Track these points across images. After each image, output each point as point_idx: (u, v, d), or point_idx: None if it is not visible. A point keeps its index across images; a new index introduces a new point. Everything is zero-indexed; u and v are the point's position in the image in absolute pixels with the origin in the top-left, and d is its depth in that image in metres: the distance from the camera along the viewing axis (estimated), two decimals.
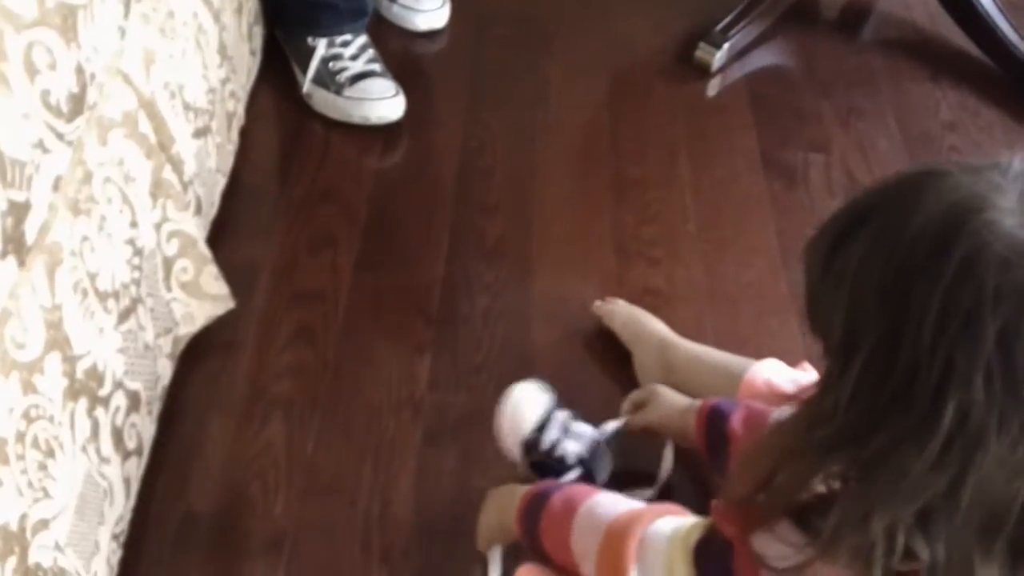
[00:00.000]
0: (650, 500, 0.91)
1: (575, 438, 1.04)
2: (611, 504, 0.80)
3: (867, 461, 0.56)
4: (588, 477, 1.01)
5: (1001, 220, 0.53)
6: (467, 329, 1.23)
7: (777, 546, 0.60)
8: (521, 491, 0.89)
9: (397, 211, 1.37)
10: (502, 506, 0.92)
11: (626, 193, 1.40)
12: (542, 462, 1.02)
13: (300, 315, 1.23)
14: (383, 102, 1.40)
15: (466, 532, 1.01)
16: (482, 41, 1.64)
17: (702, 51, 1.57)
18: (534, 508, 0.86)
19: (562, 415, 1.07)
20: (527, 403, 1.10)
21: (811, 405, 0.60)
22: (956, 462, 0.52)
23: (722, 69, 1.58)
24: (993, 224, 0.53)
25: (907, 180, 0.58)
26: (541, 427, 1.05)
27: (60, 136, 0.77)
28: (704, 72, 1.58)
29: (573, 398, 1.09)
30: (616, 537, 0.75)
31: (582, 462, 1.02)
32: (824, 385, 0.59)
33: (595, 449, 1.03)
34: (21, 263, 0.73)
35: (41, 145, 0.74)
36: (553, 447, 1.04)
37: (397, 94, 1.41)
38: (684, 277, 1.29)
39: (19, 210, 0.71)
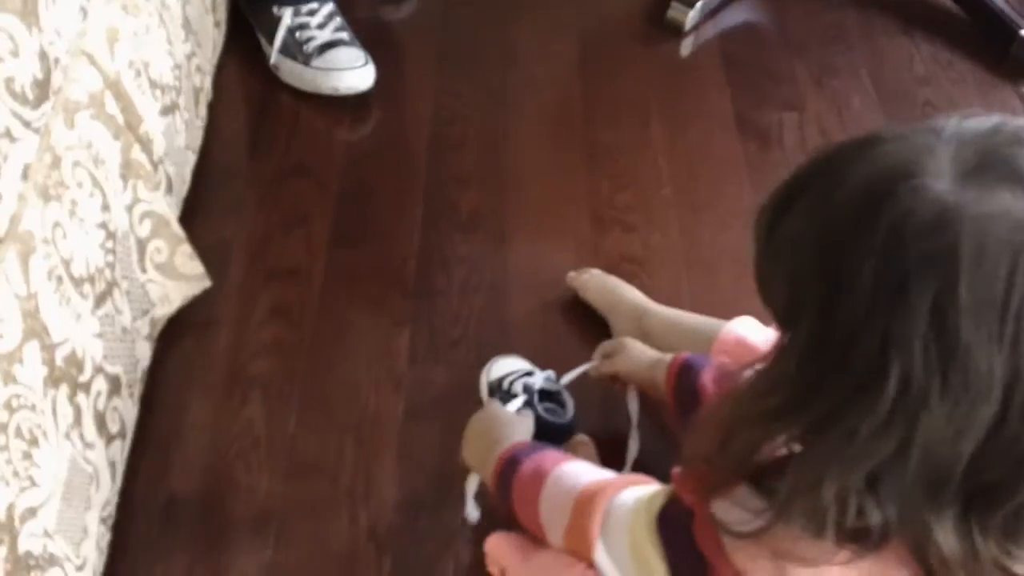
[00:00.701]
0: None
1: (535, 380, 1.07)
2: (577, 474, 0.80)
3: (815, 427, 0.56)
4: (530, 405, 1.03)
5: (930, 185, 0.52)
6: (444, 302, 1.23)
7: (737, 512, 0.61)
8: (498, 442, 0.89)
9: (370, 184, 1.36)
10: (479, 454, 0.92)
11: (599, 159, 1.40)
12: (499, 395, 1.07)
13: (276, 292, 1.22)
14: (352, 72, 1.39)
15: (451, 504, 1.02)
16: (449, 6, 1.62)
17: (674, 11, 1.56)
18: (507, 473, 0.86)
19: (539, 373, 1.09)
20: (503, 363, 1.12)
21: (763, 372, 0.61)
22: (902, 425, 0.52)
23: (694, 29, 1.57)
24: (920, 189, 0.52)
25: (841, 150, 0.58)
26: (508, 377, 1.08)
27: (27, 124, 0.76)
28: (676, 32, 1.56)
29: (552, 368, 1.10)
30: (582, 511, 0.75)
31: (525, 388, 1.04)
32: (775, 354, 0.60)
33: (546, 383, 1.06)
34: None
35: (8, 134, 0.73)
36: (510, 385, 1.06)
37: (366, 63, 1.40)
38: (660, 242, 1.29)
39: None
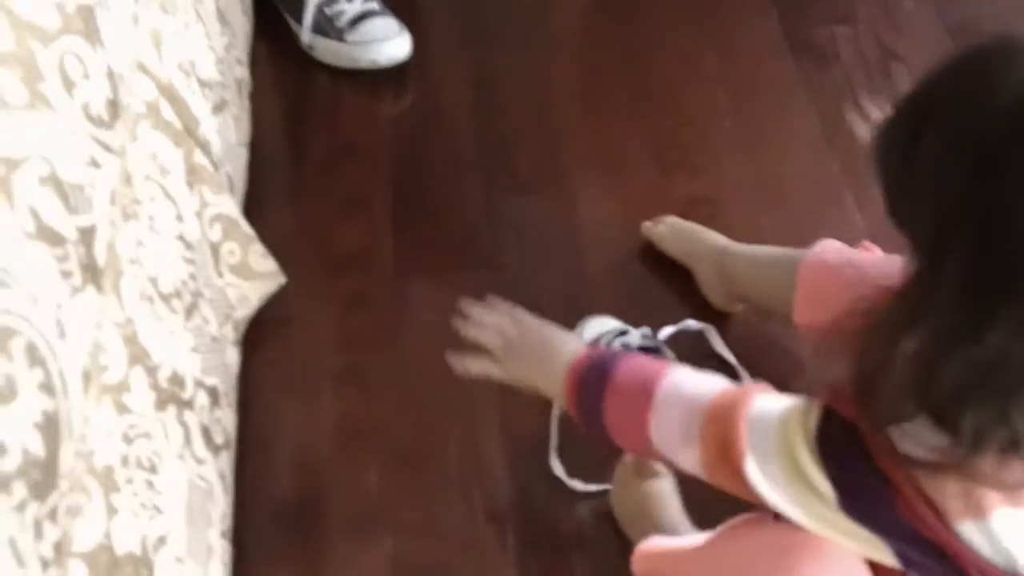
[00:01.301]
0: None
1: (631, 338, 1.04)
2: (698, 383, 0.72)
3: (991, 361, 0.53)
4: None
5: None
6: (520, 270, 1.20)
7: (910, 445, 0.57)
8: (564, 357, 0.80)
9: (422, 156, 1.32)
10: (537, 365, 0.84)
11: (652, 98, 1.35)
12: None
13: (349, 281, 1.20)
14: (389, 42, 1.34)
15: (573, 467, 1.01)
16: None
17: None
18: (592, 384, 0.77)
19: (634, 331, 1.06)
20: (594, 323, 1.09)
21: (904, 305, 0.57)
22: None
23: None
24: None
25: (980, 58, 0.55)
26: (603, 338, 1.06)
27: (106, 147, 0.73)
28: None
29: (645, 324, 1.08)
30: (721, 421, 0.67)
31: (624, 348, 1.03)
32: (918, 283, 0.57)
33: (643, 340, 1.04)
34: (99, 288, 0.69)
35: (93, 162, 0.70)
36: (608, 345, 1.04)
37: (402, 31, 1.36)
38: (730, 179, 1.25)
39: (87, 235, 0.68)
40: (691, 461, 0.71)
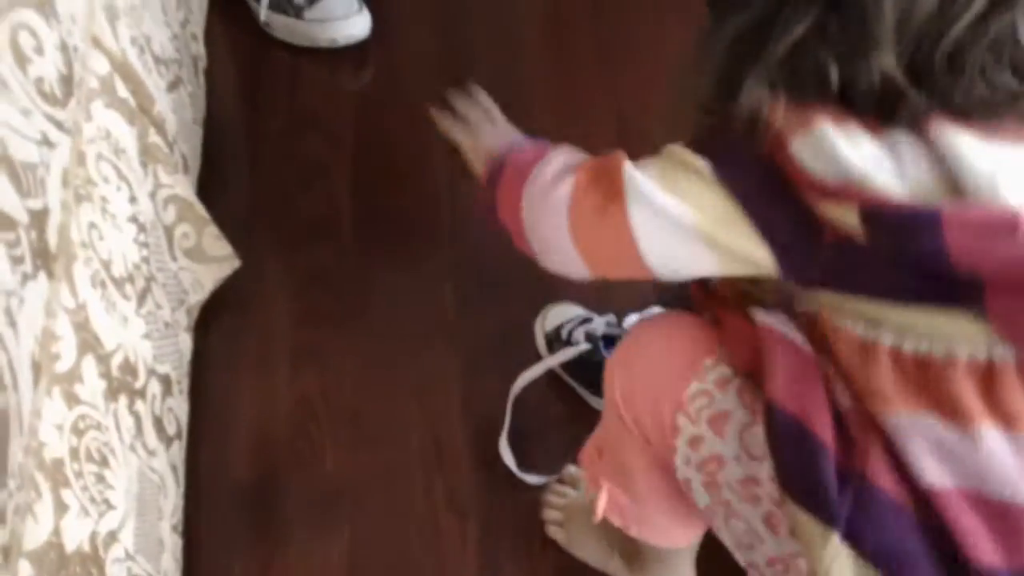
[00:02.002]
0: None
1: (595, 326, 1.04)
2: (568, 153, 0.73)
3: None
4: (595, 352, 1.01)
5: None
6: (484, 242, 1.18)
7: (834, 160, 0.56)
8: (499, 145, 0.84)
9: (384, 129, 1.29)
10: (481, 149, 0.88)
11: (615, 62, 1.34)
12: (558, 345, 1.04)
13: (308, 256, 1.17)
14: (348, 20, 1.31)
15: (527, 463, 1.00)
16: None
17: None
18: (496, 162, 0.80)
19: (598, 318, 1.05)
20: (557, 311, 1.08)
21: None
22: None
23: None
24: None
25: None
26: (565, 326, 1.05)
27: (59, 125, 0.69)
28: None
29: (605, 309, 1.07)
30: (599, 159, 0.68)
31: (588, 336, 1.02)
32: None
33: (608, 328, 1.03)
34: (50, 274, 0.66)
35: (46, 140, 0.66)
36: (569, 334, 1.03)
37: (361, 9, 1.32)
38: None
39: (39, 218, 0.64)
40: (560, 201, 0.69)
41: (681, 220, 0.60)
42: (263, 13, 1.31)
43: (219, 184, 1.20)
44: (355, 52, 1.35)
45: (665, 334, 0.72)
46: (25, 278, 0.62)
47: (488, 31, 1.40)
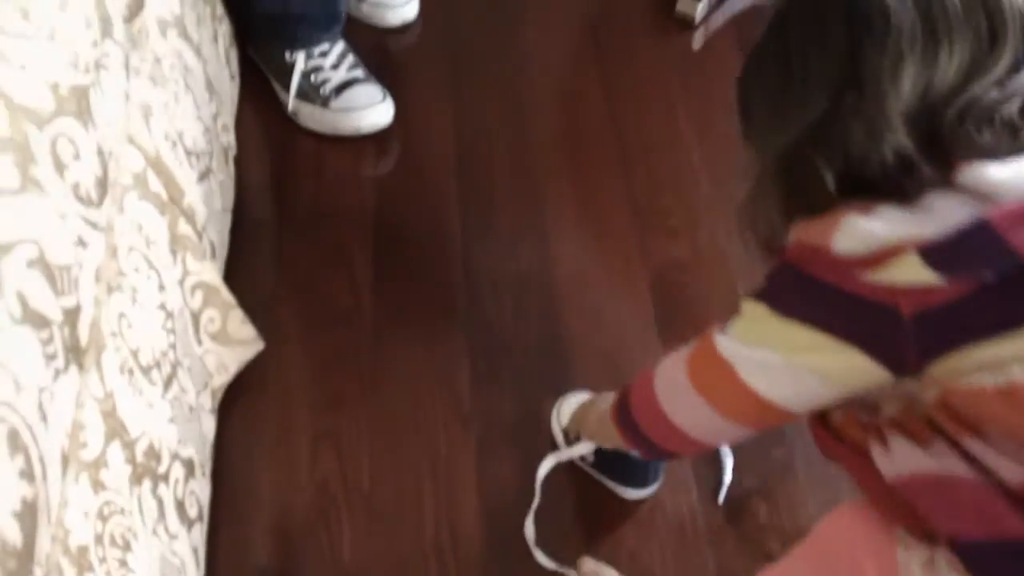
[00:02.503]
0: None
1: None
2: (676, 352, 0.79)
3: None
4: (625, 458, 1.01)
5: None
6: (499, 327, 1.22)
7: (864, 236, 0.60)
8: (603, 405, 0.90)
9: (405, 216, 1.34)
10: (596, 425, 0.94)
11: (631, 161, 1.39)
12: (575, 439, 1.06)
13: (328, 340, 1.20)
14: (372, 109, 1.36)
15: (541, 541, 1.01)
16: (454, 23, 1.60)
17: (683, 3, 1.55)
18: (623, 407, 0.84)
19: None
20: (572, 401, 1.10)
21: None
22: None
23: (705, 19, 1.56)
24: None
25: None
26: None
27: (94, 225, 0.73)
28: (687, 24, 1.55)
29: (617, 382, 1.09)
30: (695, 342, 0.75)
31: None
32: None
33: None
34: (81, 367, 0.70)
35: (80, 241, 0.70)
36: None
37: (385, 98, 1.37)
38: (707, 243, 1.28)
39: (72, 315, 0.68)
40: (684, 382, 0.75)
41: (771, 362, 0.66)
42: (291, 103, 1.37)
43: (245, 268, 1.24)
44: (378, 139, 1.40)
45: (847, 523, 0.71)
46: (57, 373, 0.66)
47: (504, 120, 1.44)
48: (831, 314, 0.62)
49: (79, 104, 0.72)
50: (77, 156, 0.71)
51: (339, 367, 1.18)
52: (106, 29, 0.80)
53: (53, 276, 0.66)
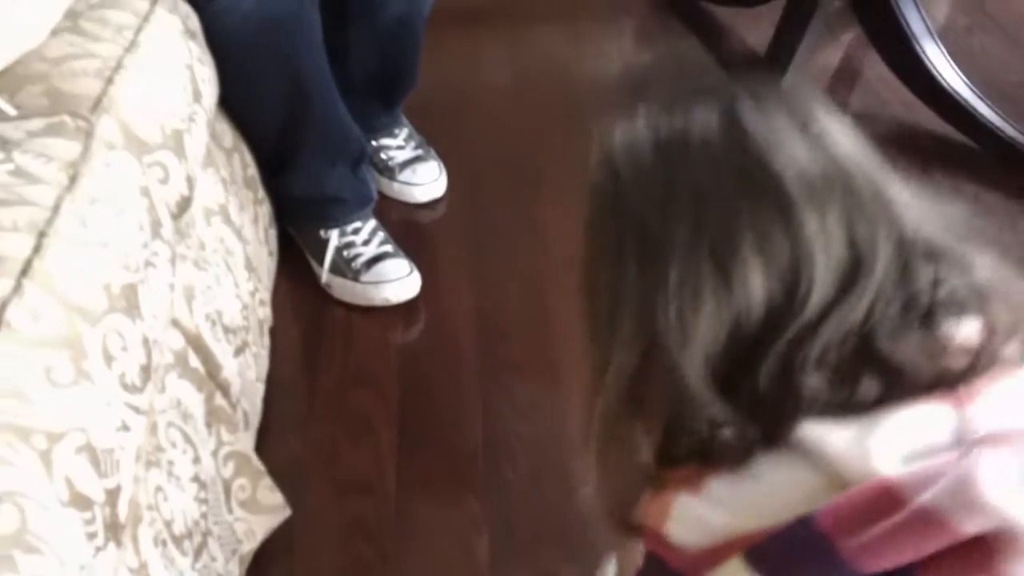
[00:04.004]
0: None
1: None
2: None
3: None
4: None
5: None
6: (518, 495, 1.26)
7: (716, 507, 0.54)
8: None
9: (428, 384, 1.40)
10: None
11: None
12: None
13: (352, 508, 1.25)
14: (400, 282, 1.45)
15: None
16: (478, 199, 1.71)
17: None
18: None
19: None
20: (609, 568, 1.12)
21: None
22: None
23: None
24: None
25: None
26: None
27: (136, 410, 0.80)
28: None
29: None
30: None
31: None
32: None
33: None
34: (118, 543, 0.75)
35: (124, 426, 0.77)
36: None
37: (412, 272, 1.46)
38: None
39: (113, 495, 0.74)
40: None
41: None
42: (324, 276, 1.47)
43: (275, 436, 1.30)
44: (405, 308, 1.49)
45: None
46: (97, 551, 0.71)
47: (523, 289, 1.53)
48: None
49: (128, 300, 0.81)
50: (125, 348, 0.79)
51: (363, 536, 1.22)
52: (156, 230, 0.90)
53: (98, 460, 0.72)
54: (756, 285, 0.52)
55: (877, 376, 0.51)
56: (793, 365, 0.51)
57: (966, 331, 0.53)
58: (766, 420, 0.52)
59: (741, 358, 0.53)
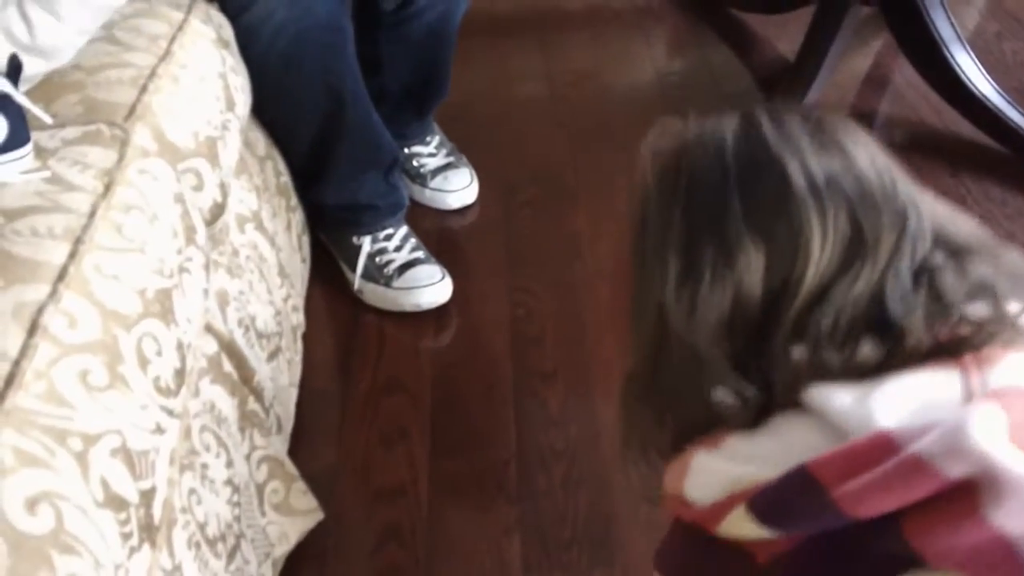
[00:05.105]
0: None
1: None
2: None
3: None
4: None
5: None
6: (550, 502, 1.26)
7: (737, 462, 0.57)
8: None
9: (460, 391, 1.41)
10: None
11: None
12: None
13: (385, 514, 1.26)
14: (431, 288, 1.46)
15: None
16: (511, 206, 1.72)
17: None
18: None
19: None
20: None
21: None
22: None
23: None
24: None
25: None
26: None
27: (171, 412, 0.81)
28: None
29: None
30: None
31: None
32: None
33: None
34: (153, 544, 0.76)
35: (158, 428, 0.78)
36: None
37: (444, 277, 1.47)
38: None
39: (148, 497, 0.75)
40: None
41: None
42: (356, 282, 1.48)
43: (308, 440, 1.32)
44: (437, 314, 1.50)
45: None
46: (132, 551, 0.72)
47: (556, 297, 1.53)
48: (704, 565, 0.60)
49: (163, 305, 0.82)
50: (159, 352, 0.80)
51: (395, 541, 1.23)
52: (189, 237, 0.91)
53: (132, 462, 0.73)
54: (756, 259, 0.56)
55: (880, 342, 0.54)
56: (801, 334, 0.55)
57: (977, 308, 0.55)
58: (775, 386, 0.55)
59: (748, 328, 0.56)
